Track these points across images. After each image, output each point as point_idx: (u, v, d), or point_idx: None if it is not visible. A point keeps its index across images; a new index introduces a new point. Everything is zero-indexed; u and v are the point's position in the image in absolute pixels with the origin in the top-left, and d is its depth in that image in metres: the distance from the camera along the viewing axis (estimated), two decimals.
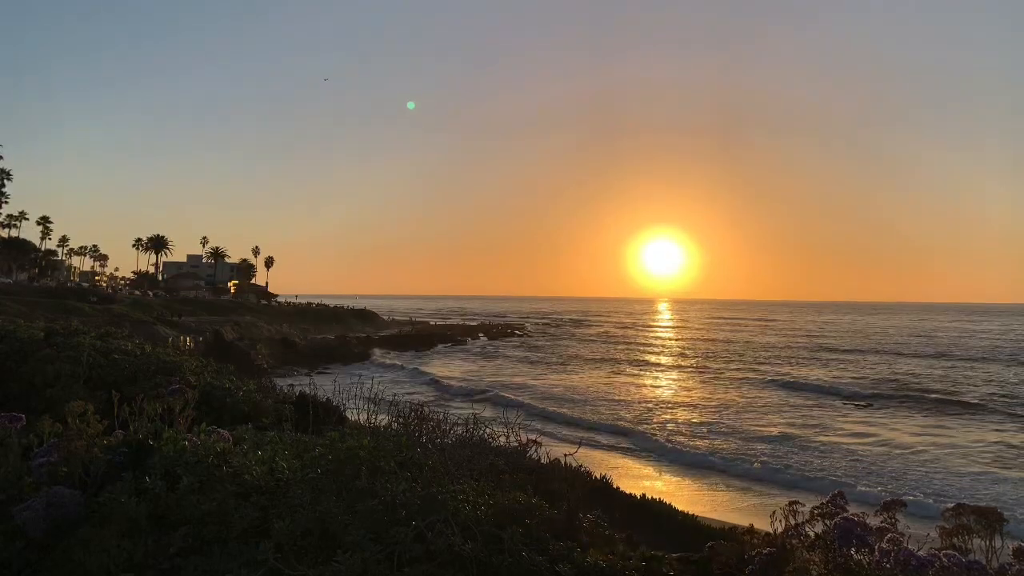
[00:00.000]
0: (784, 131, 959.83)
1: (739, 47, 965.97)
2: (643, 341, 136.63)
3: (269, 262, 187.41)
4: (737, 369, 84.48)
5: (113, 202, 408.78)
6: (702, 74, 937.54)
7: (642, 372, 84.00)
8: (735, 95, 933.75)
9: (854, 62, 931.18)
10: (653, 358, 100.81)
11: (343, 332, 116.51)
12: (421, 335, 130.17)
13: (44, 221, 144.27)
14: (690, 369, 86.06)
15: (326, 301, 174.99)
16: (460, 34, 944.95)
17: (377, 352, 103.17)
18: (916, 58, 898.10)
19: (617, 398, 61.93)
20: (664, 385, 72.74)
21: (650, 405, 58.32)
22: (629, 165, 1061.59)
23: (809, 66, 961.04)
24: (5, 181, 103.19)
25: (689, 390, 67.97)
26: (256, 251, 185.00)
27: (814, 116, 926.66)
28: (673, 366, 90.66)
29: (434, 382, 73.96)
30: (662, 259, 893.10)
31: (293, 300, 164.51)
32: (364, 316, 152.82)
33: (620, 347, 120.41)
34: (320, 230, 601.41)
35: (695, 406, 57.68)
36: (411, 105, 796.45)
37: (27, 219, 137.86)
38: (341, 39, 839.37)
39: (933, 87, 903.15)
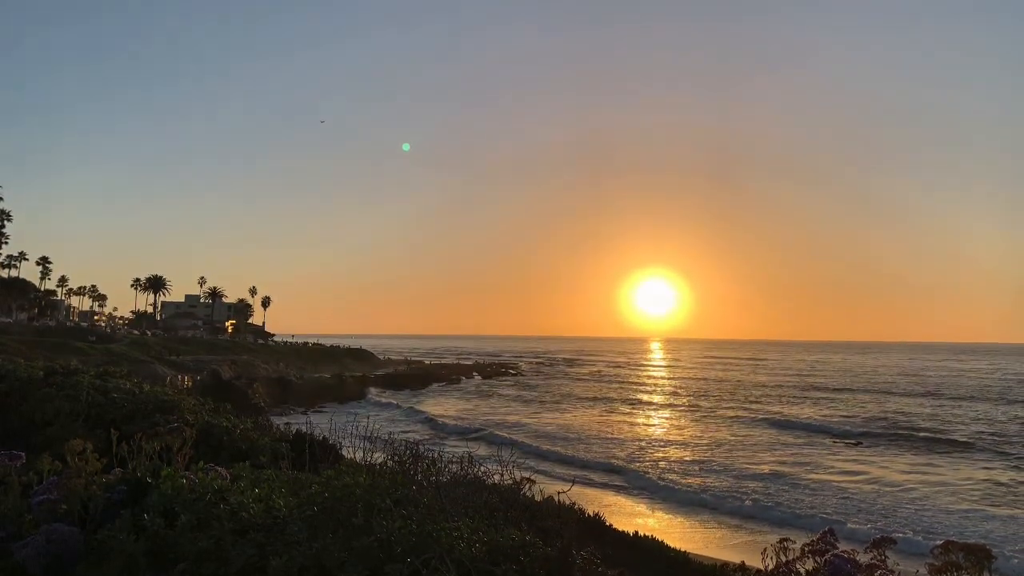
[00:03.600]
0: (774, 172, 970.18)
1: (729, 90, 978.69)
2: (636, 380, 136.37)
3: (266, 302, 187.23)
4: (728, 407, 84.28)
5: (112, 242, 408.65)
6: (692, 117, 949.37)
7: (635, 410, 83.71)
8: (725, 137, 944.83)
9: (842, 104, 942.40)
10: (646, 397, 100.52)
11: (339, 371, 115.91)
12: (416, 374, 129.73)
13: (44, 261, 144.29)
14: (682, 408, 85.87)
15: (322, 340, 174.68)
16: (454, 78, 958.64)
17: (372, 391, 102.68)
18: (905, 100, 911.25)
19: (610, 436, 61.65)
20: (657, 423, 72.47)
21: (643, 443, 58.06)
22: (621, 206, 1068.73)
23: (797, 108, 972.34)
24: (5, 222, 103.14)
25: (681, 428, 67.79)
26: (253, 291, 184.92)
27: (804, 157, 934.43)
28: (665, 404, 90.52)
29: (429, 421, 73.54)
30: (654, 299, 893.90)
31: (290, 339, 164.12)
32: (359, 355, 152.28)
33: (613, 386, 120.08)
34: (316, 270, 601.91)
35: (687, 444, 57.47)
36: (406, 147, 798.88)
37: (27, 259, 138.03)
38: (338, 81, 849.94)
39: (922, 128, 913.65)
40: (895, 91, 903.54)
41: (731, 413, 78.45)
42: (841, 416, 75.64)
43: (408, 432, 58.09)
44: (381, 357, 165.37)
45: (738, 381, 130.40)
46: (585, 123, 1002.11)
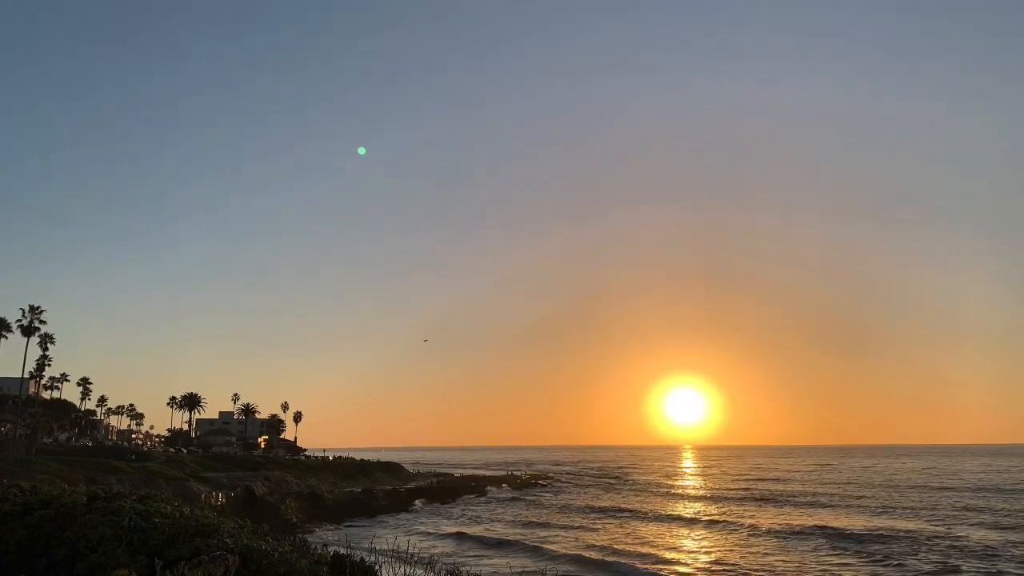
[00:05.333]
0: (789, 268, 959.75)
1: (731, 193, 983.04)
2: (674, 491, 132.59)
3: (298, 417, 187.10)
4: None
5: (148, 360, 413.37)
6: (704, 220, 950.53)
7: (673, 524, 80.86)
8: (744, 239, 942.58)
9: (852, 192, 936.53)
10: (681, 507, 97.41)
11: (369, 485, 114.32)
12: (446, 487, 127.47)
13: (84, 382, 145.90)
14: (728, 523, 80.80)
15: (353, 454, 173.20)
16: (463, 192, 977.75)
17: (403, 504, 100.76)
18: (907, 181, 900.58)
19: (653, 552, 59.44)
20: (699, 536, 69.88)
21: (683, 554, 55.92)
22: (646, 313, 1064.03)
23: (813, 199, 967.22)
24: (48, 345, 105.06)
25: (730, 549, 63.84)
26: (285, 406, 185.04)
27: (818, 251, 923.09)
28: (705, 519, 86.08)
29: (461, 535, 71.50)
30: (683, 406, 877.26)
31: (321, 454, 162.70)
32: (390, 469, 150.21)
33: (652, 497, 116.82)
34: (347, 383, 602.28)
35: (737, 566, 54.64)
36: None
37: (68, 380, 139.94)
38: (351, 198, 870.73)
39: (928, 207, 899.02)
40: (900, 172, 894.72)
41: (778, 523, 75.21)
42: None
43: (440, 547, 56.65)
44: (411, 470, 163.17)
45: (782, 490, 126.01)
46: (599, 233, 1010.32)
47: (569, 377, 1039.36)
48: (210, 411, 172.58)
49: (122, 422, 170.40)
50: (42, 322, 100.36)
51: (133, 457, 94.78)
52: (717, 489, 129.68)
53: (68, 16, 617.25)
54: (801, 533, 67.14)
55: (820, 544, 60.90)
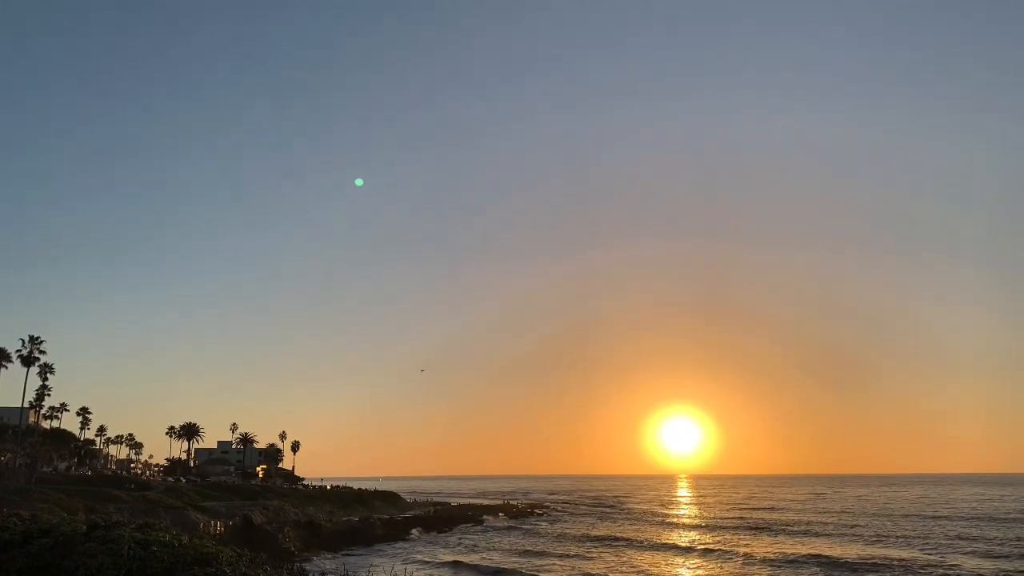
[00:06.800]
0: (782, 299, 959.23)
1: (724, 225, 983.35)
2: (669, 519, 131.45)
3: (295, 446, 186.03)
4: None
5: (147, 391, 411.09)
6: (697, 252, 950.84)
7: (668, 552, 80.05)
8: (738, 270, 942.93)
9: (845, 224, 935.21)
10: (676, 536, 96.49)
11: (367, 514, 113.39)
12: (443, 516, 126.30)
13: (83, 412, 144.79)
14: (723, 552, 79.92)
15: (350, 483, 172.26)
16: (460, 223, 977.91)
17: (400, 533, 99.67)
18: (899, 213, 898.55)
19: None
20: (694, 565, 69.15)
21: None
22: (637, 345, 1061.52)
23: (805, 231, 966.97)
24: (48, 375, 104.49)
25: None
26: (283, 436, 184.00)
27: (811, 282, 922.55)
28: (701, 547, 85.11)
29: (458, 564, 70.68)
30: (679, 435, 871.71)
31: (319, 483, 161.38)
32: (387, 498, 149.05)
33: (648, 525, 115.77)
34: (344, 414, 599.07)
35: None
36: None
37: (67, 410, 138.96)
38: (349, 230, 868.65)
39: (919, 240, 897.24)
40: (897, 203, 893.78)
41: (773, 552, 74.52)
42: None
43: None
44: (408, 499, 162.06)
45: (776, 519, 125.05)
46: (590, 264, 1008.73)
47: (565, 407, 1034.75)
48: (209, 440, 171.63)
49: (121, 451, 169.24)
50: (42, 352, 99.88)
51: (132, 486, 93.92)
52: (712, 518, 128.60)
53: (68, 45, 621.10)
54: (796, 561, 66.52)
55: (815, 573, 60.35)
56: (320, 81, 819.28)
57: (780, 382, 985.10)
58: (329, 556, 74.63)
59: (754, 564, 66.72)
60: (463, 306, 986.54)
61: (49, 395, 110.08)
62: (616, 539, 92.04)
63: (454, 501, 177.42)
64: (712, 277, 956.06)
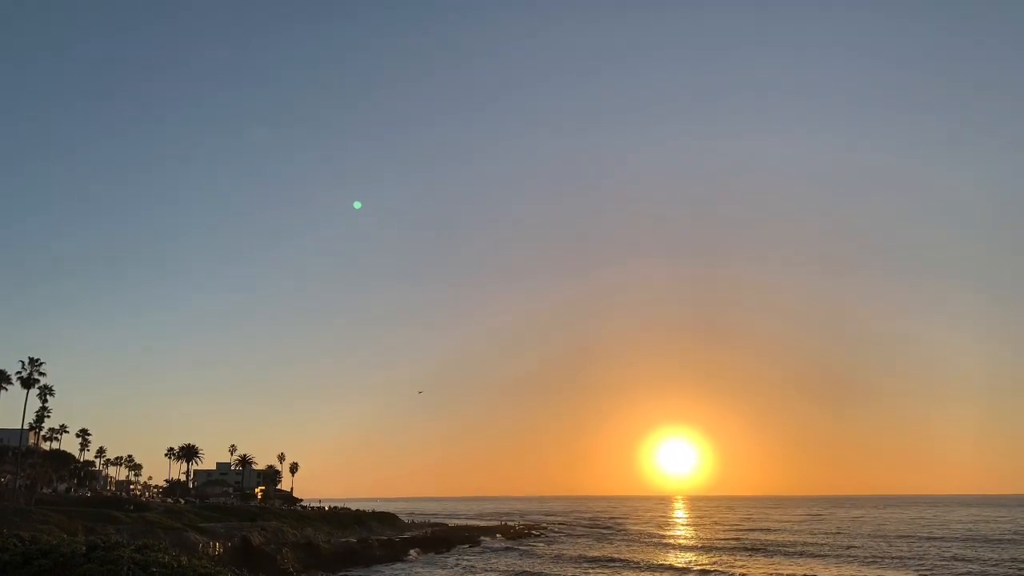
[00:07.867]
0: (778, 320, 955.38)
1: (720, 247, 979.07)
2: (666, 540, 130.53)
3: (294, 468, 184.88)
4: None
5: (146, 412, 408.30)
6: (693, 273, 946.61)
7: (665, 573, 79.40)
8: (734, 292, 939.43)
9: (840, 245, 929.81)
10: (673, 557, 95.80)
11: (365, 535, 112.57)
12: (441, 537, 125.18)
13: (83, 433, 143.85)
14: (719, 573, 79.32)
15: (348, 504, 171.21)
16: (458, 245, 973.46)
17: (398, 554, 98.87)
18: (895, 235, 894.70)
19: None
20: None
21: None
22: (633, 366, 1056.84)
23: (807, 253, 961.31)
24: (48, 396, 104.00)
25: None
26: (282, 457, 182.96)
27: (806, 304, 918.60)
28: (697, 568, 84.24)
29: None
30: (675, 456, 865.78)
31: (317, 504, 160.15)
32: (385, 519, 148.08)
33: (644, 547, 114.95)
34: (342, 435, 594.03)
35: None
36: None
37: (67, 432, 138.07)
38: (347, 252, 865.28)
39: (915, 262, 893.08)
40: (892, 227, 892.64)
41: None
42: None
43: None
44: (406, 520, 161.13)
45: (772, 540, 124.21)
46: (596, 282, 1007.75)
47: (562, 428, 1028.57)
48: (207, 462, 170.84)
49: (120, 473, 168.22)
50: (41, 374, 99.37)
51: (131, 507, 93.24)
52: (708, 539, 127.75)
53: (69, 62, 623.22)
54: None
55: None
56: (319, 101, 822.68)
57: (777, 403, 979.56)
58: None
59: None
60: (461, 328, 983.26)
61: (49, 417, 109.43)
62: (613, 560, 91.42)
63: (451, 522, 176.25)
64: (710, 299, 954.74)
